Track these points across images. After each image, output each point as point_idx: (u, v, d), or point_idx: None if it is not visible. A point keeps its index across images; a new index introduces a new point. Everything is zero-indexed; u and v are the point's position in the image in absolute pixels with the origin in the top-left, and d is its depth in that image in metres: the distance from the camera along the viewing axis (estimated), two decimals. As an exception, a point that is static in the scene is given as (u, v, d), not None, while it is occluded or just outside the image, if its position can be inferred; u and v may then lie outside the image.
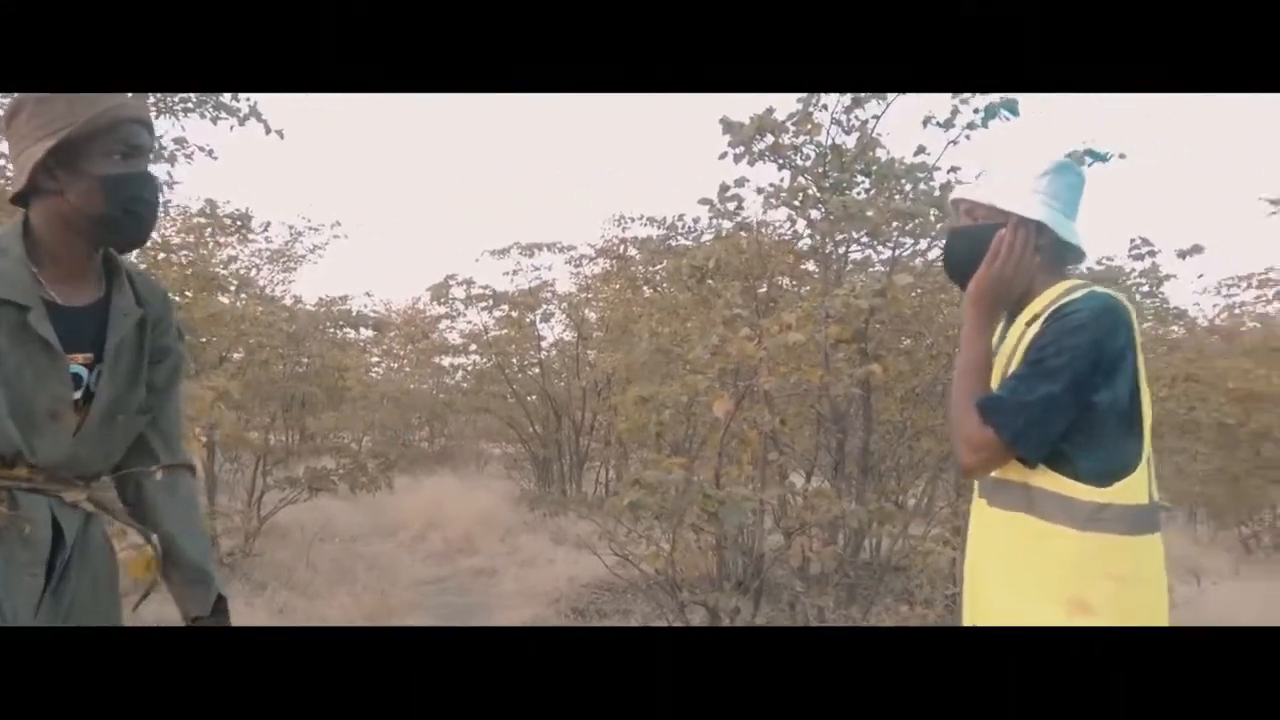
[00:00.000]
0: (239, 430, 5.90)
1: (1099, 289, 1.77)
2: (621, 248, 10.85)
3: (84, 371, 1.67)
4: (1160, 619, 1.70)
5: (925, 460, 6.06)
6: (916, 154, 4.73)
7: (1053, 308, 1.75)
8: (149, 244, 7.69)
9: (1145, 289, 7.67)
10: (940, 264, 5.52)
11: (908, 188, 4.86)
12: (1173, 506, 6.57)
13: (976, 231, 1.89)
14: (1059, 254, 1.86)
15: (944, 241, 2.06)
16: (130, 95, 1.69)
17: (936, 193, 4.85)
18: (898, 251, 5.23)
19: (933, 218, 4.59)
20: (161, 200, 8.86)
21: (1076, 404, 1.67)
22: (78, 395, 1.66)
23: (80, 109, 1.59)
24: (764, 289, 5.69)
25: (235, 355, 7.34)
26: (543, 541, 8.22)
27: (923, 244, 5.34)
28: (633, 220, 10.83)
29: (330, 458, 7.90)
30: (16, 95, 1.68)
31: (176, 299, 6.27)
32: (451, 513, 8.97)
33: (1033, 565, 1.72)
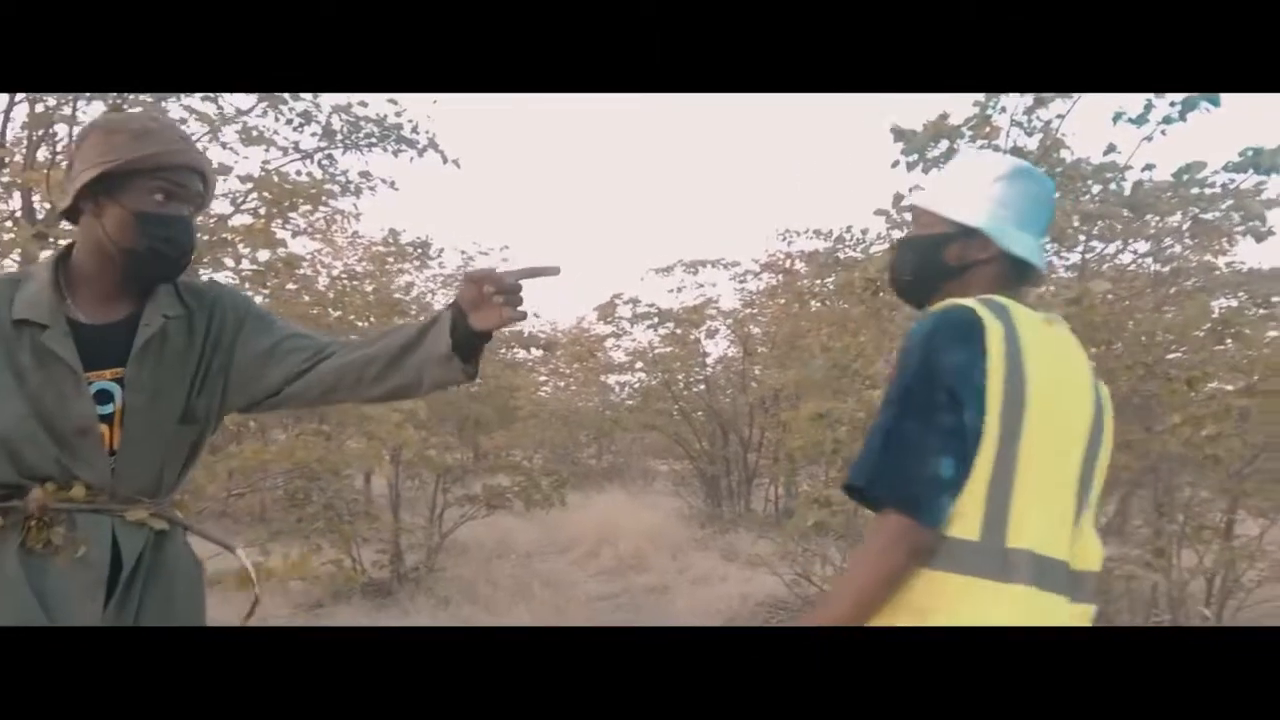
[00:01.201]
0: (423, 450, 6.12)
1: (969, 301, 1.54)
2: (787, 262, 10.74)
3: (115, 387, 1.67)
4: None
5: (1120, 476, 5.72)
6: (1106, 153, 4.47)
7: None
8: (340, 271, 8.12)
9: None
10: (1133, 268, 5.26)
11: (1095, 189, 4.60)
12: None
13: (919, 241, 1.72)
14: (1011, 271, 1.65)
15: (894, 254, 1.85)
16: (189, 141, 1.72)
17: (1127, 193, 4.57)
18: (1087, 256, 4.96)
19: (1127, 216, 4.33)
20: (349, 231, 9.24)
21: (938, 432, 1.44)
22: (110, 409, 1.66)
23: (139, 146, 1.63)
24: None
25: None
26: (714, 559, 8.18)
27: (1112, 248, 5.06)
28: (798, 234, 10.72)
29: (505, 475, 8.11)
30: (93, 120, 1.74)
31: (362, 325, 6.57)
32: (623, 529, 9.04)
33: None
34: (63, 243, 1.79)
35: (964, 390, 1.45)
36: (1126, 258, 5.20)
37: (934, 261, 1.68)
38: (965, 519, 1.44)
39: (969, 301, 1.54)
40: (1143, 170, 4.46)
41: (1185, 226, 5.11)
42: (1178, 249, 5.40)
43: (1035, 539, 1.47)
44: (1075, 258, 5.00)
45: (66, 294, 1.70)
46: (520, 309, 1.61)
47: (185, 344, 1.74)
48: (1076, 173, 4.51)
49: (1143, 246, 5.14)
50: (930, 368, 1.46)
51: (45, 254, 3.59)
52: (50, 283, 1.68)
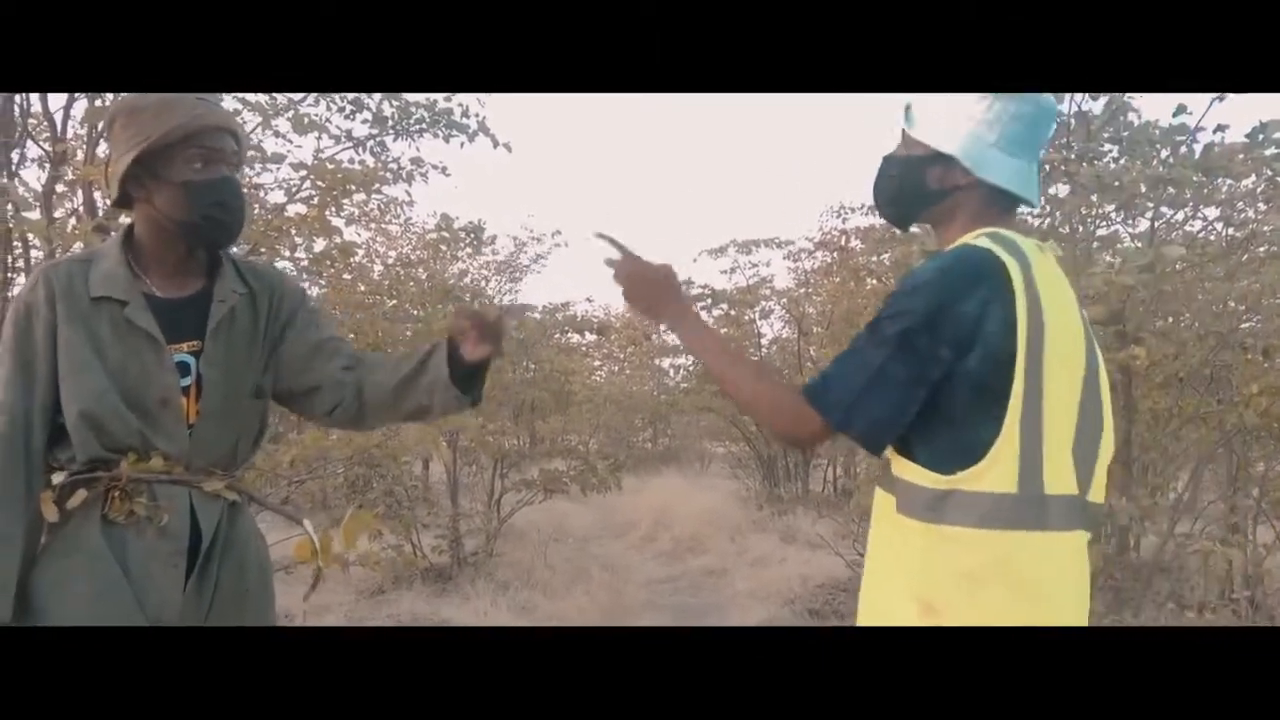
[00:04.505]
0: (481, 436, 6.13)
1: (983, 241, 1.44)
2: (842, 239, 10.59)
3: (192, 360, 1.73)
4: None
5: (1189, 451, 5.55)
6: (1176, 114, 4.30)
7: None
8: (394, 259, 8.17)
9: None
10: (1203, 235, 5.07)
11: (1164, 153, 4.44)
12: None
13: (901, 162, 1.61)
14: (1000, 196, 1.53)
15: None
16: (210, 103, 1.73)
17: (1197, 155, 4.40)
18: (1157, 223, 4.79)
19: (1197, 180, 4.16)
20: (402, 218, 9.25)
21: (918, 379, 1.39)
22: (187, 382, 1.72)
23: (163, 120, 1.65)
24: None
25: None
26: (772, 541, 8.11)
27: (1181, 214, 4.88)
28: (852, 210, 10.54)
29: (561, 460, 8.11)
30: (111, 104, 1.77)
31: (417, 312, 6.60)
32: (680, 512, 9.02)
33: (891, 556, 1.49)
34: (123, 232, 1.82)
35: (974, 338, 1.38)
36: (1196, 224, 5.02)
37: (915, 185, 1.59)
38: (1000, 471, 1.39)
39: (983, 242, 1.45)
40: (1214, 131, 4.28)
41: (1259, 189, 4.92)
42: (1251, 213, 5.20)
43: (1067, 481, 1.43)
44: (1144, 225, 4.84)
45: (138, 271, 1.75)
46: (500, 345, 1.74)
47: (251, 321, 1.81)
48: (1145, 136, 4.36)
49: (1213, 212, 4.95)
50: (939, 315, 1.39)
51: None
52: (121, 260, 1.73)
